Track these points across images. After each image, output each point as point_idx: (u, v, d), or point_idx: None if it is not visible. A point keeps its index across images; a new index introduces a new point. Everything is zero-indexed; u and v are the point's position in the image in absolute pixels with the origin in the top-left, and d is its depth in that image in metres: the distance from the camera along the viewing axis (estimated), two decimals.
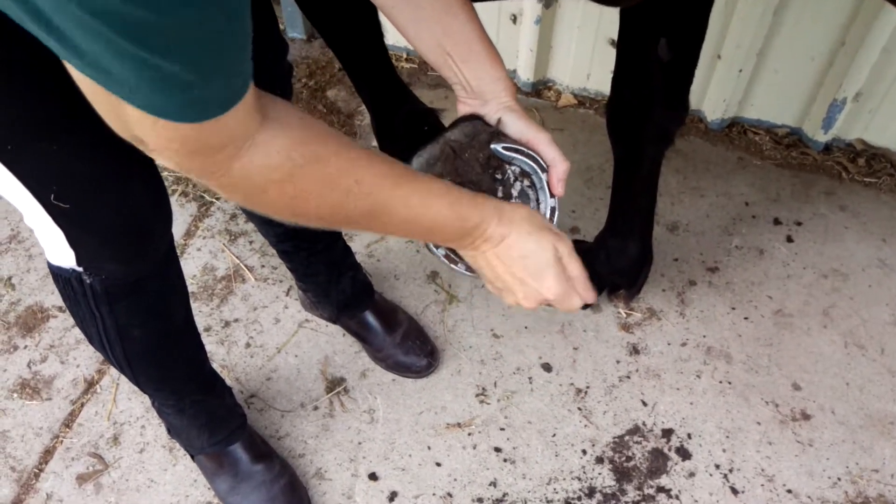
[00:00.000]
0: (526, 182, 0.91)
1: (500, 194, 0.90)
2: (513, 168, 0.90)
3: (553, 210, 0.91)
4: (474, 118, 0.90)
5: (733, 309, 1.64)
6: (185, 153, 0.60)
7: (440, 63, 0.88)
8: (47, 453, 1.46)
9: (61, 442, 1.47)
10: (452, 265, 0.92)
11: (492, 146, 0.88)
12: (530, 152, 0.89)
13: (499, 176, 0.89)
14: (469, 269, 0.90)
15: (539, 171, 0.89)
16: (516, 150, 0.89)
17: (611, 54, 1.93)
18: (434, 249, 0.91)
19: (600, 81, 2.03)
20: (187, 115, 0.55)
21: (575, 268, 0.85)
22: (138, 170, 0.91)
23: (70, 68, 0.53)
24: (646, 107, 1.26)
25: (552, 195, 0.91)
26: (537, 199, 0.92)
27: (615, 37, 1.89)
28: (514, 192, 0.91)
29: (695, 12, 1.16)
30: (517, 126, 0.89)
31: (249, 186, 0.66)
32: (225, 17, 0.51)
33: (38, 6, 0.46)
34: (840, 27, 1.69)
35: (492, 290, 0.89)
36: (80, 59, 0.50)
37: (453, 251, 0.90)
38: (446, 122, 1.36)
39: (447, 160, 0.87)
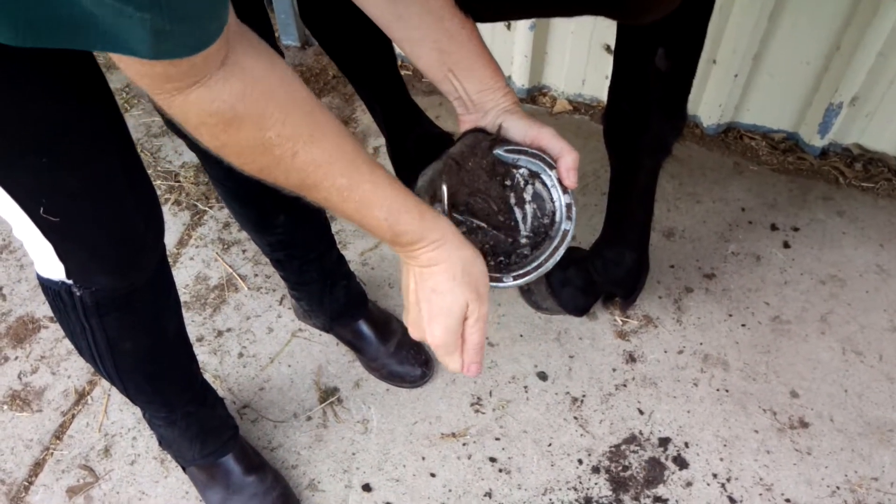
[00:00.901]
0: (537, 183, 0.88)
1: (512, 200, 0.88)
2: (521, 171, 0.88)
3: (570, 206, 0.88)
4: (475, 131, 0.88)
5: (730, 316, 1.63)
6: (135, 75, 0.60)
7: (440, 79, 0.87)
8: (37, 466, 1.44)
9: (52, 454, 1.46)
10: None
11: (494, 151, 0.87)
12: (535, 151, 0.87)
13: (508, 182, 0.87)
14: (490, 278, 0.87)
15: (547, 168, 0.87)
16: (520, 151, 0.87)
17: (606, 60, 1.93)
18: None
19: (595, 87, 2.02)
20: (155, 54, 0.55)
21: (474, 336, 0.82)
22: (130, 183, 0.90)
23: None
24: (643, 117, 1.25)
25: (565, 192, 0.88)
26: (551, 198, 0.88)
27: (610, 42, 1.89)
28: (527, 196, 0.88)
29: (693, 22, 1.15)
30: (518, 127, 0.88)
31: (184, 121, 0.66)
32: None
33: None
34: (835, 32, 1.68)
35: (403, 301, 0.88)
36: None
37: None
38: None
39: (451, 173, 0.86)
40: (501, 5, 1.03)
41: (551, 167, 0.87)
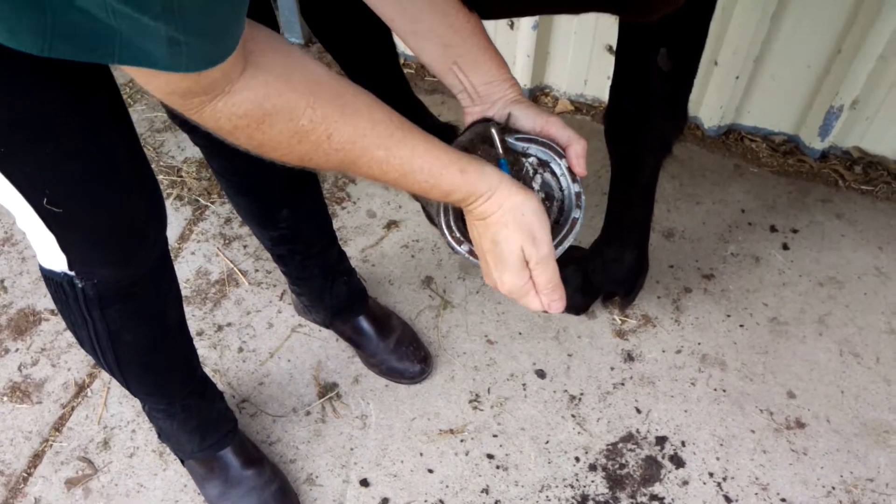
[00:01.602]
0: (546, 172, 0.89)
1: None
2: (530, 160, 0.88)
3: (579, 195, 0.88)
4: (483, 120, 0.89)
5: (728, 316, 1.64)
6: (162, 93, 0.63)
7: (444, 72, 0.88)
8: (36, 457, 1.45)
9: (51, 446, 1.46)
10: (456, 245, 0.88)
11: (506, 138, 0.87)
12: (545, 140, 0.87)
13: (516, 170, 0.88)
14: (471, 253, 0.87)
15: (556, 157, 0.87)
16: (530, 140, 0.87)
17: (608, 60, 1.94)
18: (456, 247, 0.88)
19: (597, 88, 2.03)
20: (172, 66, 0.56)
21: (542, 275, 0.84)
22: (133, 174, 0.91)
23: None
24: (645, 116, 1.25)
25: (574, 180, 0.88)
26: (560, 187, 0.89)
27: (612, 43, 1.90)
28: (536, 185, 0.89)
29: (695, 21, 1.15)
30: (527, 116, 0.88)
31: (218, 128, 0.67)
32: None
33: None
34: (836, 35, 1.69)
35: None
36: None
37: (461, 225, 0.88)
38: None
39: None
40: (510, 2, 1.04)
41: (560, 156, 0.87)
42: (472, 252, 0.87)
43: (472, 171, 0.78)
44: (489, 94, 0.88)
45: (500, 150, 0.87)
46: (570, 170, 0.88)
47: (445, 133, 1.36)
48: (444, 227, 0.88)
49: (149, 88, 0.63)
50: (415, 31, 0.86)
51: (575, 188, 0.88)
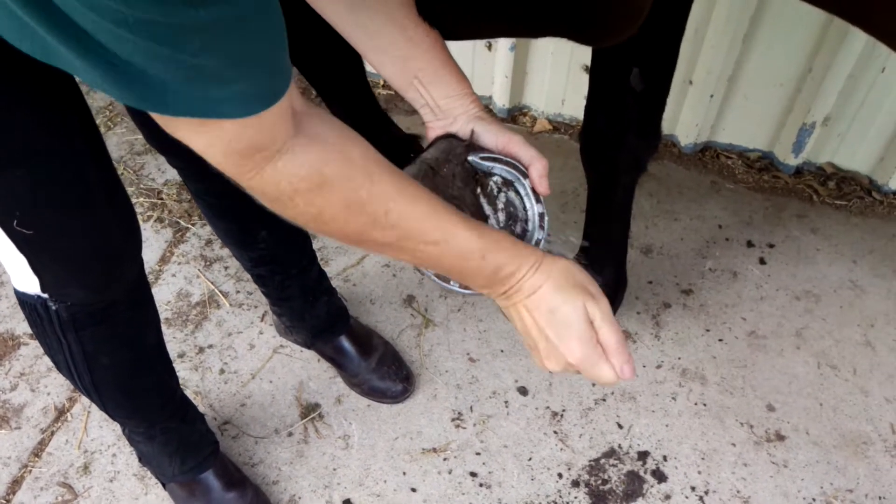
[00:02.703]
0: (510, 192, 0.89)
1: (485, 207, 0.89)
2: (494, 179, 0.89)
3: (542, 216, 0.89)
4: (448, 136, 0.89)
5: (707, 331, 1.65)
6: (224, 152, 0.61)
7: (405, 86, 0.88)
8: (15, 483, 1.43)
9: (30, 471, 1.45)
10: (444, 282, 0.88)
11: (469, 158, 0.88)
12: (509, 160, 0.88)
13: (480, 189, 0.89)
14: (464, 285, 0.87)
15: (521, 177, 0.88)
16: (495, 159, 0.88)
17: (585, 80, 1.95)
18: (424, 270, 0.88)
19: (575, 107, 2.05)
20: (230, 110, 0.56)
21: (610, 335, 0.78)
22: (106, 197, 0.91)
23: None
24: (619, 135, 1.27)
25: (538, 200, 0.89)
26: (524, 207, 0.90)
27: (589, 63, 1.93)
28: (500, 204, 0.89)
29: (666, 43, 1.18)
30: (489, 133, 0.89)
31: (277, 192, 0.66)
32: (259, 12, 0.52)
33: (87, 31, 0.48)
34: (807, 55, 1.73)
35: (526, 346, 0.85)
36: (119, 72, 0.51)
37: None
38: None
39: (425, 178, 0.86)
40: (467, 25, 1.06)
41: (525, 176, 0.88)
42: (465, 286, 0.86)
43: (520, 244, 0.79)
44: (451, 108, 0.88)
45: (470, 168, 0.88)
46: (533, 190, 0.89)
47: (409, 144, 1.37)
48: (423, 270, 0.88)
49: (208, 152, 0.61)
50: (375, 46, 0.86)
51: (538, 208, 0.89)
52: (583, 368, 0.78)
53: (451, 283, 0.87)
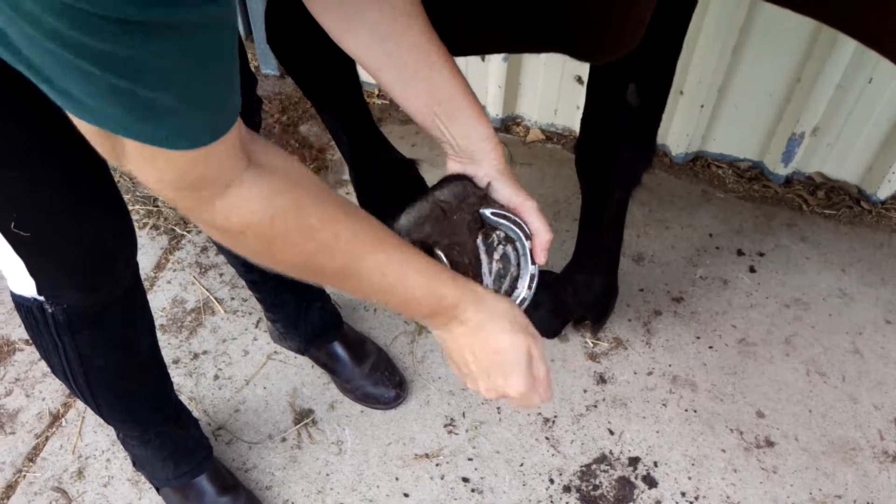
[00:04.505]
0: (510, 247, 0.93)
1: (483, 257, 0.91)
2: (498, 233, 0.92)
3: (533, 277, 0.94)
4: (464, 178, 0.91)
5: (698, 338, 1.67)
6: (175, 187, 0.62)
7: (428, 123, 0.90)
8: (9, 488, 1.44)
9: (24, 476, 1.45)
10: None
11: (481, 211, 0.91)
12: (516, 219, 0.92)
13: (482, 238, 0.91)
14: None
15: (523, 238, 0.92)
16: (504, 217, 0.91)
17: (577, 91, 1.99)
18: None
19: (567, 117, 2.08)
20: (177, 141, 0.57)
21: (542, 370, 0.87)
22: (101, 198, 0.92)
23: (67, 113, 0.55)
24: (614, 148, 1.29)
25: (534, 262, 0.94)
26: (518, 264, 0.94)
27: (581, 74, 1.95)
28: (496, 255, 0.93)
29: (662, 60, 1.20)
30: (506, 192, 0.91)
31: (229, 226, 0.67)
32: (209, 48, 0.53)
33: (27, 58, 0.49)
34: (796, 65, 1.75)
35: (454, 370, 0.90)
36: (68, 99, 0.52)
37: None
38: (423, 170, 1.38)
39: (437, 220, 0.89)
40: (473, 42, 1.07)
41: (528, 237, 0.92)
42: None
43: (460, 278, 0.82)
44: (471, 151, 0.90)
45: (478, 217, 0.91)
46: (531, 251, 0.93)
47: (406, 168, 1.38)
48: None
49: (158, 187, 0.62)
50: (400, 77, 0.88)
51: (532, 269, 0.94)
52: (519, 399, 0.87)
53: None
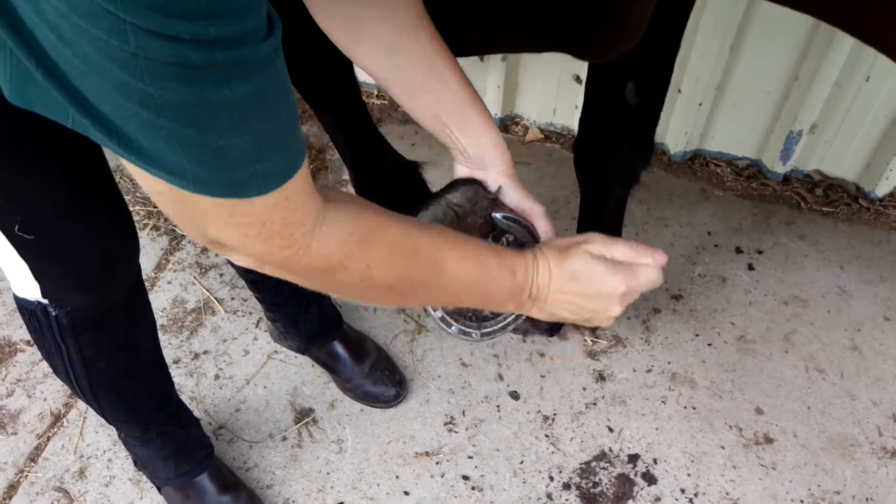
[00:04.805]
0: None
1: None
2: (507, 236, 0.94)
3: None
4: (474, 182, 0.93)
5: (697, 336, 1.68)
6: (264, 237, 0.59)
7: (438, 131, 0.91)
8: (11, 488, 1.44)
9: (26, 477, 1.46)
10: (445, 327, 0.94)
11: (493, 214, 0.93)
12: (526, 223, 0.94)
13: (493, 242, 0.93)
14: (462, 332, 0.93)
15: (533, 241, 0.94)
16: (514, 220, 0.93)
17: (575, 90, 1.99)
18: (431, 311, 0.93)
19: (566, 116, 2.08)
20: (253, 188, 0.55)
21: (622, 251, 0.83)
22: (104, 201, 0.93)
23: (139, 174, 0.53)
24: (613, 147, 1.29)
25: None
26: None
27: (579, 73, 1.96)
28: None
29: (661, 58, 1.20)
30: (515, 196, 0.93)
31: (328, 263, 0.66)
32: (272, 82, 0.52)
33: (100, 111, 0.48)
34: (793, 63, 1.76)
35: (586, 325, 0.90)
36: (142, 158, 0.51)
37: (450, 314, 0.93)
38: (427, 173, 1.39)
39: (450, 223, 0.91)
40: (474, 43, 1.08)
41: (537, 241, 0.94)
42: (462, 332, 0.93)
43: (510, 251, 0.83)
44: (480, 157, 0.91)
45: (489, 221, 0.93)
46: None
47: (409, 170, 1.39)
48: (431, 310, 0.92)
49: (247, 245, 0.60)
50: (409, 88, 0.89)
51: None
52: (633, 290, 0.83)
53: (452, 327, 0.93)
